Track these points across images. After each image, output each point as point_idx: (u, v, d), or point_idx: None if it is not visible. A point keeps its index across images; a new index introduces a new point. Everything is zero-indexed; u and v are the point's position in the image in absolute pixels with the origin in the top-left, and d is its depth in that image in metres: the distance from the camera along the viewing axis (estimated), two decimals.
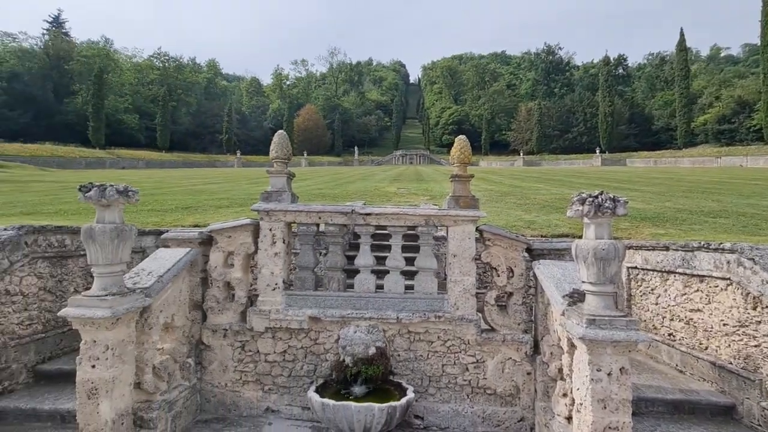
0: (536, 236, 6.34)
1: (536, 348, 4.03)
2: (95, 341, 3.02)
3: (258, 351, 4.18)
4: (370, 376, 3.74)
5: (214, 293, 4.23)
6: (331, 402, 3.40)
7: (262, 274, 4.20)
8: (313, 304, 4.16)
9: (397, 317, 4.03)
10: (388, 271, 4.29)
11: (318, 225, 4.58)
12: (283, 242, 4.21)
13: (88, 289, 4.84)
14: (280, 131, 4.44)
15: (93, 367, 3.01)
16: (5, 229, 4.00)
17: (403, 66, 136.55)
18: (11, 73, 50.73)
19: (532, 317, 4.25)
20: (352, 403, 3.36)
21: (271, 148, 4.29)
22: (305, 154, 58.52)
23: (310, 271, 4.39)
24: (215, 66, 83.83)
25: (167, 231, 4.64)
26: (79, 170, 32.76)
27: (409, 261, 4.67)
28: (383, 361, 3.84)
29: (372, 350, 3.76)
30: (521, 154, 60.20)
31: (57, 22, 62.96)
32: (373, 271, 4.34)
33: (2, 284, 3.88)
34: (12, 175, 22.75)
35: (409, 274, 4.59)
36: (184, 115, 66.09)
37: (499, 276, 4.13)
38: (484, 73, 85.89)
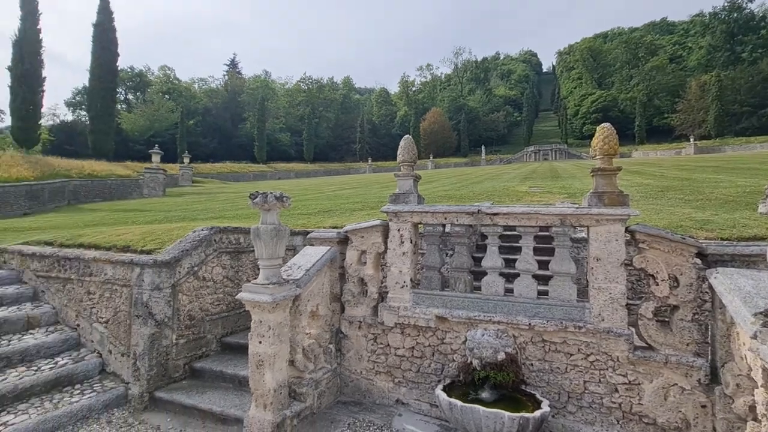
0: (713, 239, 5.13)
1: (714, 376, 3.26)
2: (261, 321, 3.66)
3: (388, 344, 4.43)
4: (499, 383, 3.58)
5: (350, 287, 4.66)
6: (459, 403, 3.38)
7: (391, 272, 4.45)
8: (440, 303, 4.21)
9: (530, 323, 3.77)
10: (517, 275, 4.05)
11: (444, 226, 4.61)
12: (411, 242, 4.38)
13: (255, 278, 5.90)
14: (407, 136, 4.64)
15: (260, 342, 3.65)
16: (202, 230, 5.17)
17: (534, 55, 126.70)
18: (204, 108, 65.38)
19: (707, 338, 3.46)
20: (481, 407, 3.28)
21: (398, 152, 4.52)
22: (431, 157, 59.39)
23: (437, 271, 4.45)
24: (349, 82, 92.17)
25: (311, 231, 5.32)
26: (249, 182, 40.02)
27: (543, 265, 4.32)
28: (513, 369, 3.64)
29: (501, 355, 3.60)
30: (692, 139, 49.14)
31: (233, 64, 78.32)
32: (501, 274, 4.16)
33: (201, 272, 5.02)
34: (205, 189, 29.14)
35: (543, 280, 4.24)
36: (324, 129, 74.46)
37: (658, 285, 3.49)
38: (636, 49, 73.23)
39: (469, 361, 3.79)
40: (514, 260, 4.17)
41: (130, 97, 66.68)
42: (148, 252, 4.83)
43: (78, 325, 5.03)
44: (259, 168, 51.87)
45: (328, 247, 4.61)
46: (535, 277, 4.03)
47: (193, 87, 73.98)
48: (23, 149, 26.04)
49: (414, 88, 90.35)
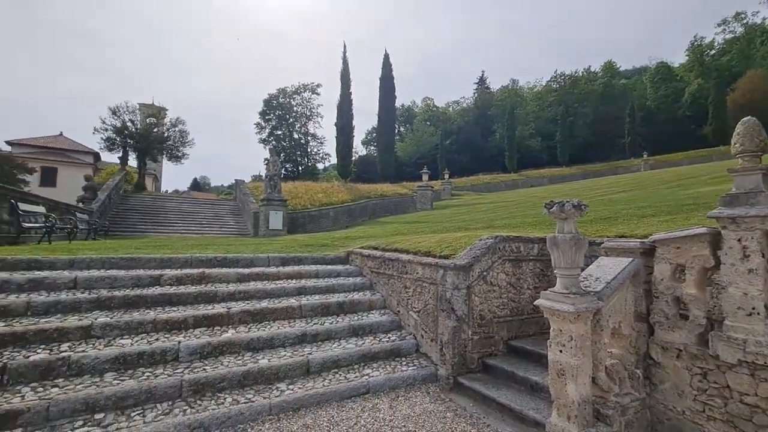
0: None
1: None
2: (561, 330, 3.66)
3: (727, 386, 3.49)
4: None
5: (662, 307, 3.98)
6: None
7: (728, 294, 3.50)
8: None
9: None
10: None
11: None
12: (762, 256, 3.32)
13: (537, 287, 5.94)
14: (747, 118, 3.56)
15: (560, 351, 3.65)
16: (488, 238, 5.68)
17: None
18: (457, 127, 72.02)
19: None
20: None
21: (734, 140, 3.54)
22: None
23: None
24: (611, 67, 79.24)
25: (604, 240, 4.89)
26: (501, 192, 40.87)
27: None
28: None
29: None
30: None
31: (481, 81, 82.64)
32: None
33: (488, 277, 5.52)
34: (463, 201, 31.82)
35: None
36: (580, 126, 67.02)
37: None
38: None
39: None
40: None
41: (402, 129, 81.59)
42: (446, 257, 5.74)
43: (398, 311, 6.53)
44: (510, 177, 52.12)
45: (630, 259, 4.11)
46: None
47: (448, 110, 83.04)
48: (342, 180, 36.44)
49: (713, 51, 68.20)
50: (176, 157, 30.02)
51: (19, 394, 3.77)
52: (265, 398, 4.35)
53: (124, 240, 13.95)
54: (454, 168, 56.46)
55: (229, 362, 4.74)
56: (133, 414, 3.84)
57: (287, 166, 51.25)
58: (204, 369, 4.52)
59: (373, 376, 5.01)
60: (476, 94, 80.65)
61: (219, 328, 5.36)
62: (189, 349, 4.75)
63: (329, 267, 7.80)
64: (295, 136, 54.64)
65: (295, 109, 53.90)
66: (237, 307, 5.78)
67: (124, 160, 27.99)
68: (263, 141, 53.67)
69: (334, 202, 25.10)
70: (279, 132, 54.14)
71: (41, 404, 3.63)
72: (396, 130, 77.46)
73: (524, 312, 5.80)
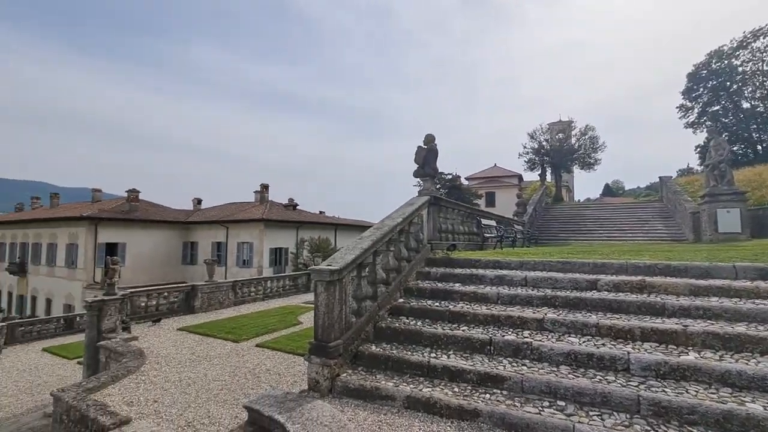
0: None
1: None
2: None
3: None
4: None
5: None
6: None
7: None
8: None
9: None
10: None
11: None
12: None
13: None
14: None
15: None
16: None
17: None
18: None
19: None
20: None
21: None
22: None
23: None
24: None
25: None
26: None
27: None
28: None
29: None
30: None
31: None
32: None
33: None
34: None
35: None
36: None
37: None
38: None
39: None
40: None
41: None
42: None
43: None
44: None
45: None
46: None
47: None
48: None
49: None
50: (588, 165, 30.14)
51: (501, 364, 4.83)
52: None
53: (550, 247, 15.41)
54: None
55: (696, 392, 3.87)
56: (591, 413, 3.91)
57: (735, 148, 38.29)
58: (664, 391, 3.93)
59: None
60: None
61: (674, 347, 4.55)
62: (641, 363, 4.32)
63: None
64: (745, 105, 40.07)
65: (740, 69, 39.81)
66: (696, 326, 4.70)
67: (542, 176, 31.45)
68: (692, 125, 43.24)
69: None
70: (715, 108, 41.76)
71: (517, 377, 4.46)
72: None
73: None
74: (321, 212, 45.87)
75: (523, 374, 4.48)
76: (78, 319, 20.46)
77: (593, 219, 25.69)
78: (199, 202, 42.37)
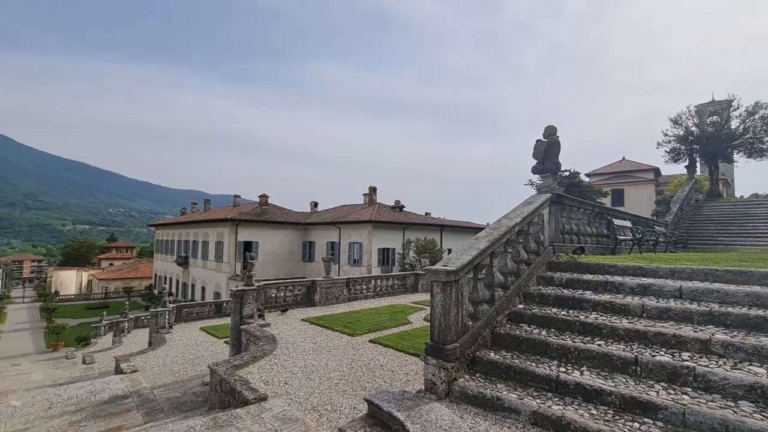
0: None
1: None
2: None
3: None
4: None
5: None
6: None
7: None
8: None
9: None
10: None
11: None
12: None
13: None
14: None
15: None
16: None
17: None
18: None
19: None
20: None
21: None
22: None
23: None
24: None
25: None
26: None
27: None
28: None
29: None
30: None
31: None
32: None
33: None
34: None
35: None
36: None
37: None
38: None
39: None
40: None
41: None
42: None
43: None
44: None
45: None
46: None
47: None
48: None
49: None
50: (759, 152, 24.14)
51: (653, 389, 4.06)
52: None
53: (707, 253, 12.67)
54: None
55: None
56: None
57: None
58: None
59: None
60: None
61: None
62: None
63: None
64: None
65: None
66: None
67: (691, 168, 26.27)
68: None
69: None
70: None
71: (676, 407, 3.68)
72: None
73: None
74: (427, 213, 46.04)
75: (685, 405, 3.68)
76: (225, 304, 24.16)
77: (766, 218, 20.46)
78: (315, 204, 46.38)
